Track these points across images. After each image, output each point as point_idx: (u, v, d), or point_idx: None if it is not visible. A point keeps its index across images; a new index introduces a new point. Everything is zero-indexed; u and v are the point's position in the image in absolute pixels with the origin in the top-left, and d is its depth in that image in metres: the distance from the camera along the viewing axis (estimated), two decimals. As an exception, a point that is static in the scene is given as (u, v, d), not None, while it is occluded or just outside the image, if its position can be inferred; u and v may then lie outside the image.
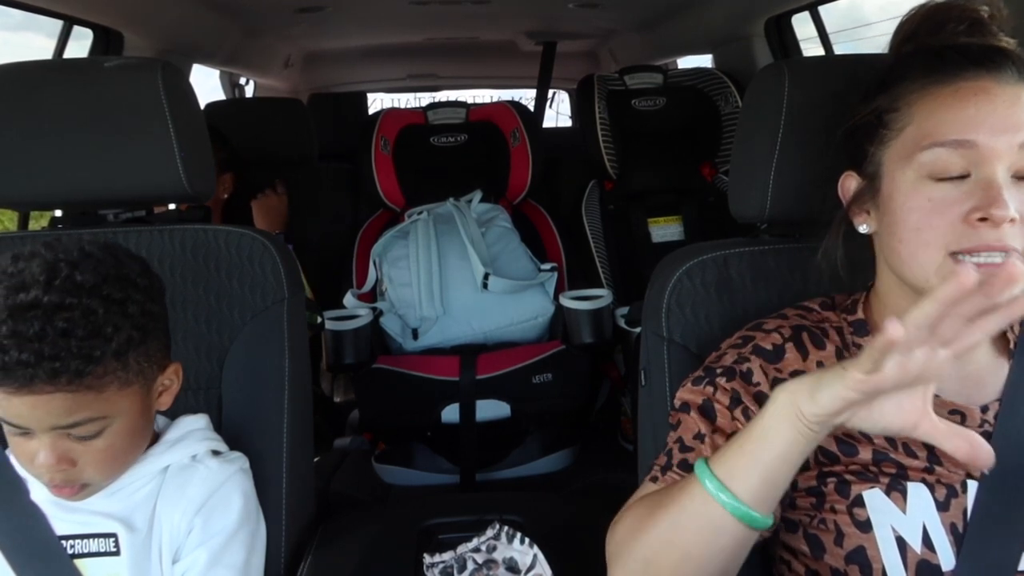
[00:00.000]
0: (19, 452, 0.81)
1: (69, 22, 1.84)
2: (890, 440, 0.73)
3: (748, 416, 0.74)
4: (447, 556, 1.02)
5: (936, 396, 0.73)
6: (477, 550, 1.02)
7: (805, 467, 0.74)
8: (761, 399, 0.74)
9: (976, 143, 0.66)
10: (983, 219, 0.65)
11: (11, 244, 1.07)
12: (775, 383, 0.74)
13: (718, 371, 0.77)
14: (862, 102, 0.76)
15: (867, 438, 0.73)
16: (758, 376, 0.76)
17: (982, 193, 0.66)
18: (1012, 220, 0.65)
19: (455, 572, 1.00)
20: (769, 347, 0.77)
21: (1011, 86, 0.67)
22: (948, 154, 0.67)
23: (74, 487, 0.82)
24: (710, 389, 0.76)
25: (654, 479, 0.76)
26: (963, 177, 0.68)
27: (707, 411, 0.76)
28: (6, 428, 0.80)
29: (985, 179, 0.66)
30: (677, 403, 0.80)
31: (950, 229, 0.67)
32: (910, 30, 0.76)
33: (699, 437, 0.75)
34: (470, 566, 1.00)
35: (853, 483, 0.71)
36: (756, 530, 0.64)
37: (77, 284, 0.77)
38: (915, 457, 0.72)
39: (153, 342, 0.84)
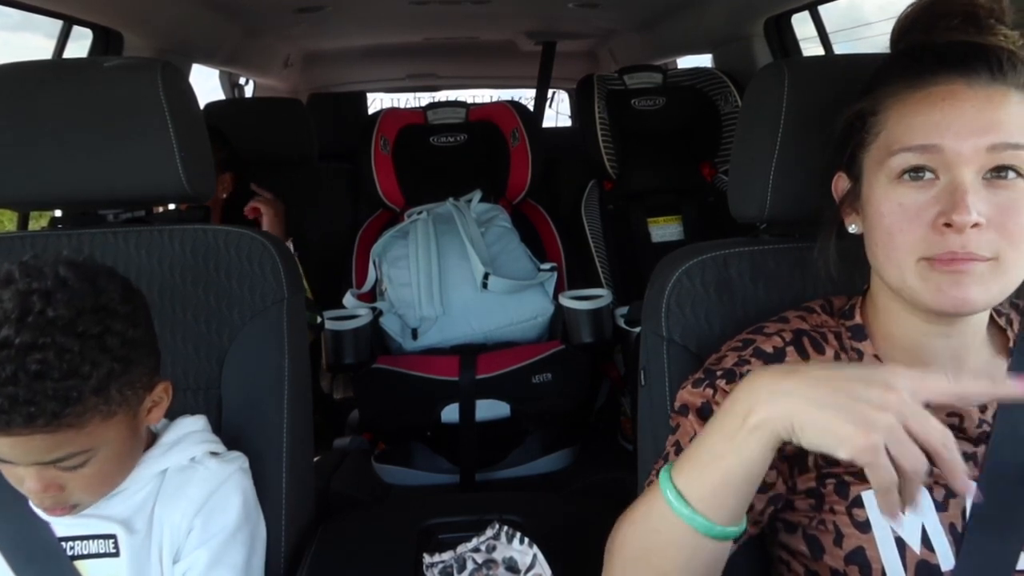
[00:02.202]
0: (8, 476, 0.80)
1: (69, 22, 1.84)
2: None
3: None
4: (447, 556, 1.02)
5: None
6: (477, 550, 1.02)
7: (804, 469, 0.74)
8: None
9: (942, 148, 0.66)
10: (948, 224, 0.65)
11: (11, 244, 1.08)
12: None
13: (718, 373, 0.77)
14: (852, 103, 0.77)
15: None
16: None
17: (947, 198, 0.66)
18: (976, 225, 0.65)
19: (455, 572, 1.00)
20: (770, 350, 0.77)
21: (983, 88, 0.67)
22: (916, 159, 0.68)
23: (64, 508, 0.81)
24: (710, 391, 0.76)
25: (650, 484, 0.76)
26: (933, 181, 0.68)
27: (705, 414, 0.76)
28: None
29: (951, 184, 0.66)
30: (677, 405, 0.80)
31: (921, 235, 0.67)
32: (906, 26, 0.76)
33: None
34: (470, 566, 1.00)
35: (852, 484, 0.71)
36: (722, 541, 0.64)
37: (50, 321, 0.73)
38: None
39: (137, 369, 0.81)
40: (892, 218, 0.69)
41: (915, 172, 0.68)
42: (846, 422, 0.56)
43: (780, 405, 0.59)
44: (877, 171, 0.71)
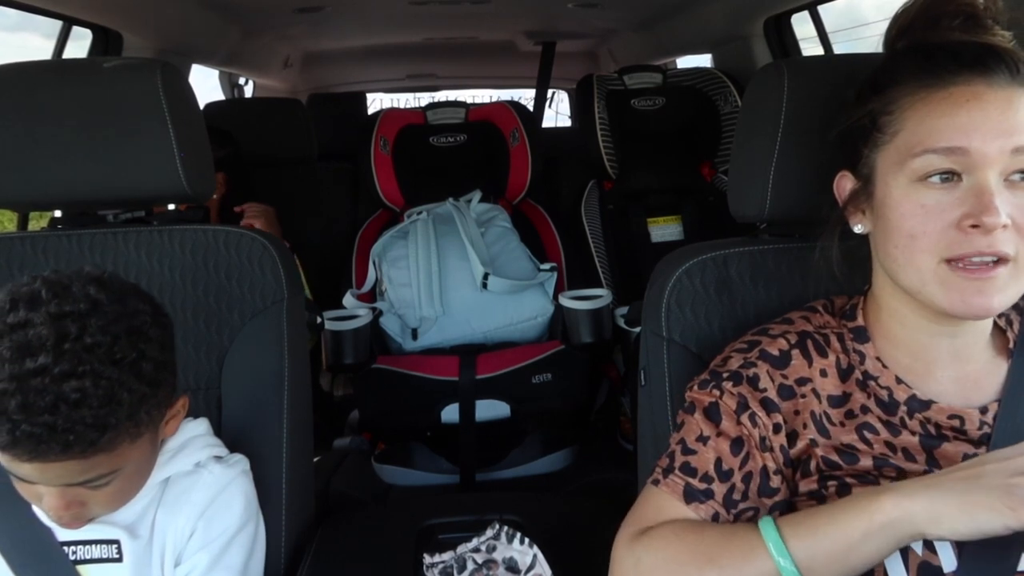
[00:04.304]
0: (25, 492, 0.80)
1: (68, 22, 1.84)
2: (890, 446, 0.73)
3: (755, 422, 0.74)
4: (447, 556, 1.02)
5: (935, 402, 0.73)
6: (477, 550, 1.02)
7: (807, 473, 0.74)
8: (768, 404, 0.74)
9: (968, 150, 0.66)
10: (975, 226, 0.66)
11: (11, 244, 1.07)
12: (781, 389, 0.75)
13: (724, 375, 0.77)
14: (856, 103, 0.76)
15: (868, 447, 0.73)
16: (764, 382, 0.75)
17: (974, 200, 0.66)
18: (1004, 226, 0.65)
19: (455, 572, 1.00)
20: (776, 353, 0.77)
21: (1003, 89, 0.67)
22: (940, 161, 0.67)
23: (81, 522, 0.81)
24: (717, 392, 0.76)
25: (655, 482, 0.76)
26: (956, 183, 0.68)
27: (712, 413, 0.76)
28: (10, 474, 0.78)
29: (977, 186, 0.66)
30: (685, 403, 0.80)
31: (943, 235, 0.67)
32: (905, 24, 0.75)
33: (702, 439, 0.75)
34: (470, 566, 1.00)
35: (854, 486, 0.71)
36: None
37: (88, 347, 0.72)
38: (914, 461, 0.72)
39: (163, 390, 0.81)
40: (914, 219, 0.69)
41: (943, 175, 0.68)
42: (992, 498, 0.58)
43: (920, 501, 0.61)
44: (896, 172, 0.71)
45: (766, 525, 0.66)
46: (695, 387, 0.79)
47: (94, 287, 0.76)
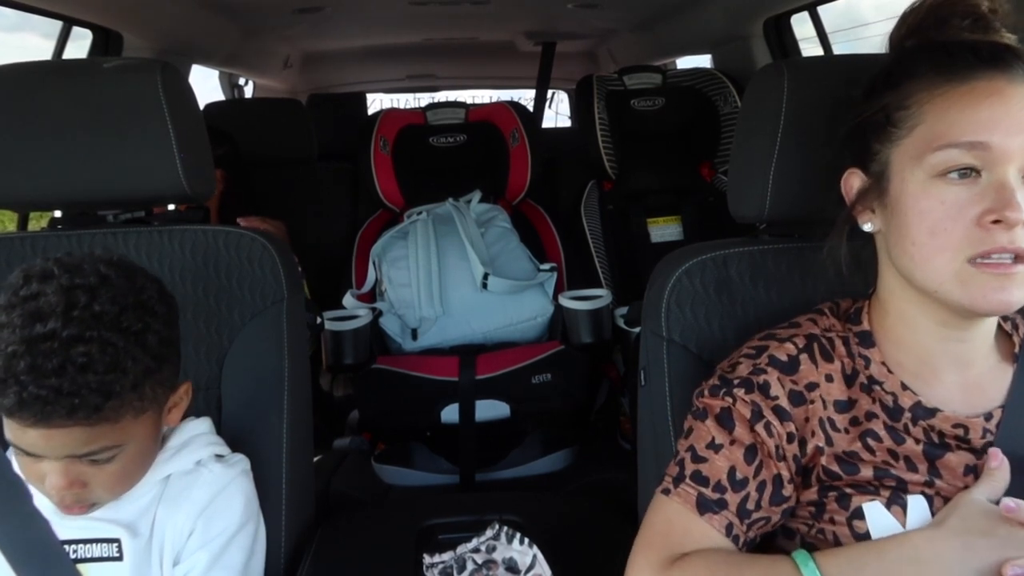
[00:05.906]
0: (28, 473, 0.80)
1: (68, 23, 1.84)
2: (892, 454, 0.72)
3: (770, 432, 0.73)
4: (447, 556, 1.02)
5: (940, 410, 0.73)
6: (477, 550, 1.02)
7: (807, 485, 0.74)
8: (780, 412, 0.74)
9: (990, 145, 0.66)
10: (996, 221, 0.65)
11: (11, 244, 1.07)
12: (792, 395, 0.74)
13: (735, 382, 0.76)
14: (868, 98, 0.75)
15: (871, 455, 0.73)
16: (776, 389, 0.75)
17: (995, 195, 0.65)
18: None
19: (455, 572, 1.00)
20: (784, 358, 0.76)
21: (1023, 86, 0.67)
22: (961, 156, 0.67)
23: (83, 506, 0.82)
24: (729, 399, 0.75)
25: (666, 491, 0.75)
26: (974, 179, 0.67)
27: (724, 420, 0.75)
28: (15, 450, 0.79)
29: (998, 181, 0.66)
30: (694, 408, 0.79)
31: (964, 234, 0.66)
32: (914, 24, 0.75)
33: (713, 447, 0.74)
34: (470, 566, 1.00)
35: (853, 495, 0.71)
36: None
37: (96, 315, 0.75)
38: (916, 471, 0.71)
39: (167, 368, 0.83)
40: (934, 216, 0.68)
41: (962, 171, 0.67)
42: None
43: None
44: (913, 167, 0.70)
45: (805, 561, 0.66)
46: (705, 392, 0.78)
47: (104, 265, 0.79)
